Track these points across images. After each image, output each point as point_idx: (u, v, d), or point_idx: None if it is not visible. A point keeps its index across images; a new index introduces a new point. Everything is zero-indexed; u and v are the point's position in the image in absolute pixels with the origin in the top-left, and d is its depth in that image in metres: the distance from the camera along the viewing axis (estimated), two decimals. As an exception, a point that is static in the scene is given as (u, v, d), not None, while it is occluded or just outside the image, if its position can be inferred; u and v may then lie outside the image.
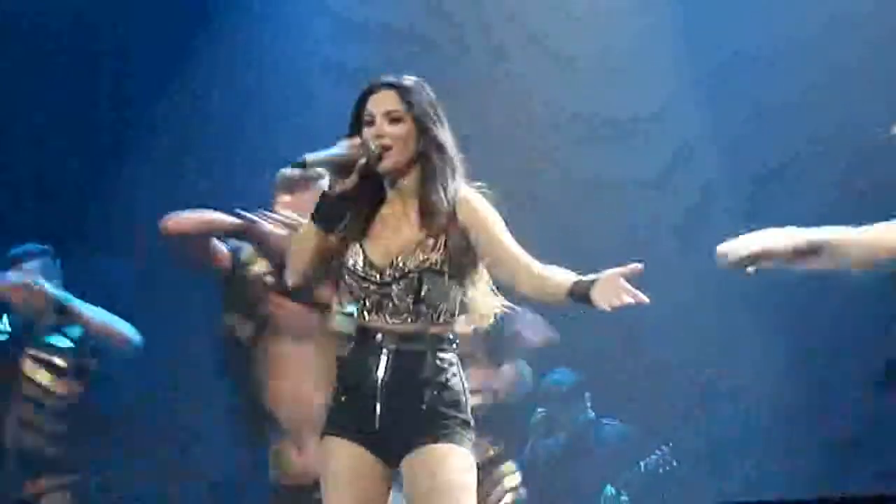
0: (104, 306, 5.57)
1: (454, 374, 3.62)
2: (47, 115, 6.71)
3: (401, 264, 3.59)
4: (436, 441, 3.55)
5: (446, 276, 3.61)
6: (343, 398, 3.65)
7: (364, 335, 3.64)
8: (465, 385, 3.66)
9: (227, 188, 6.95)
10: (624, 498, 6.60)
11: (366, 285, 3.61)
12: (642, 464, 6.63)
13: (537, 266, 3.59)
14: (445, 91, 3.78)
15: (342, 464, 3.60)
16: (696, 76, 6.98)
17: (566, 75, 6.88)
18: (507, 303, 3.71)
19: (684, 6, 6.97)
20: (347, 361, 3.68)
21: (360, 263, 3.62)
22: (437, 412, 3.57)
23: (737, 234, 3.39)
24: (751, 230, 3.40)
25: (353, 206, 3.65)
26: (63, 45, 6.80)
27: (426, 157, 3.64)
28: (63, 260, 6.10)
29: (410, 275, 3.58)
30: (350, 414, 3.62)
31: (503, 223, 3.66)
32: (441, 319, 3.61)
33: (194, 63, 6.90)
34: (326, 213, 3.62)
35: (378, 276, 3.60)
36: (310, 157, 3.55)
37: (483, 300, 3.69)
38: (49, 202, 6.71)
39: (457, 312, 3.65)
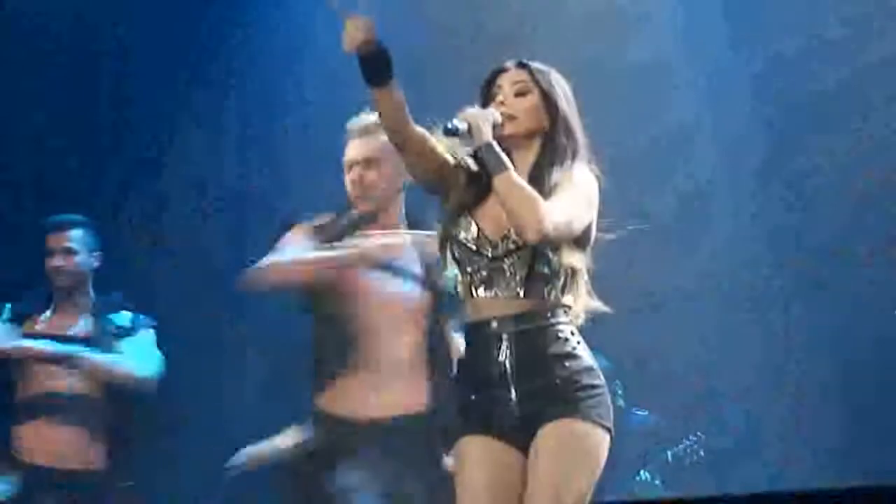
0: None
1: (578, 342, 3.56)
2: (47, 115, 6.71)
3: (514, 237, 3.54)
4: (567, 415, 3.48)
5: (558, 250, 3.56)
6: (473, 397, 3.57)
7: (478, 330, 3.58)
8: (589, 352, 3.58)
9: (227, 188, 6.97)
10: (657, 482, 6.59)
11: (477, 259, 3.57)
12: (670, 453, 6.63)
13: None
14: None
15: (480, 460, 3.52)
16: (697, 76, 6.98)
17: (565, 74, 6.87)
18: (601, 306, 3.66)
19: (684, 6, 6.98)
20: (467, 362, 3.61)
21: (474, 236, 3.59)
22: (570, 383, 3.50)
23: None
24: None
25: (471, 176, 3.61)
26: (63, 45, 6.79)
27: (551, 135, 3.66)
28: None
29: (523, 249, 3.53)
30: (486, 411, 3.54)
31: (589, 195, 3.64)
32: (553, 293, 3.55)
33: (195, 63, 6.89)
34: (371, 71, 3.51)
35: (491, 250, 3.57)
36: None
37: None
38: (49, 202, 6.71)
39: (568, 285, 3.58)
